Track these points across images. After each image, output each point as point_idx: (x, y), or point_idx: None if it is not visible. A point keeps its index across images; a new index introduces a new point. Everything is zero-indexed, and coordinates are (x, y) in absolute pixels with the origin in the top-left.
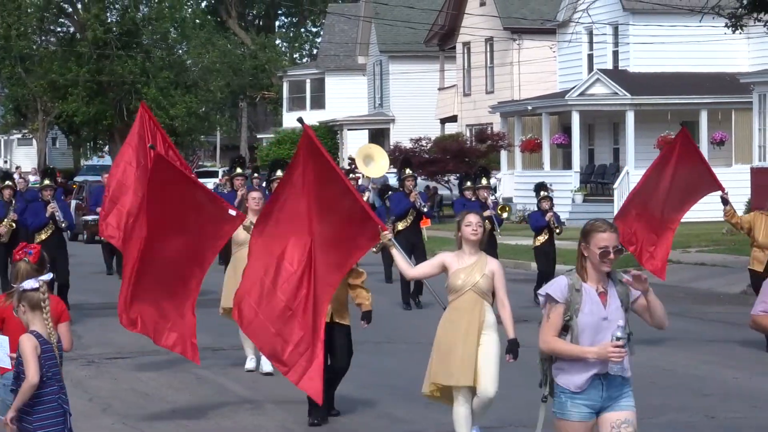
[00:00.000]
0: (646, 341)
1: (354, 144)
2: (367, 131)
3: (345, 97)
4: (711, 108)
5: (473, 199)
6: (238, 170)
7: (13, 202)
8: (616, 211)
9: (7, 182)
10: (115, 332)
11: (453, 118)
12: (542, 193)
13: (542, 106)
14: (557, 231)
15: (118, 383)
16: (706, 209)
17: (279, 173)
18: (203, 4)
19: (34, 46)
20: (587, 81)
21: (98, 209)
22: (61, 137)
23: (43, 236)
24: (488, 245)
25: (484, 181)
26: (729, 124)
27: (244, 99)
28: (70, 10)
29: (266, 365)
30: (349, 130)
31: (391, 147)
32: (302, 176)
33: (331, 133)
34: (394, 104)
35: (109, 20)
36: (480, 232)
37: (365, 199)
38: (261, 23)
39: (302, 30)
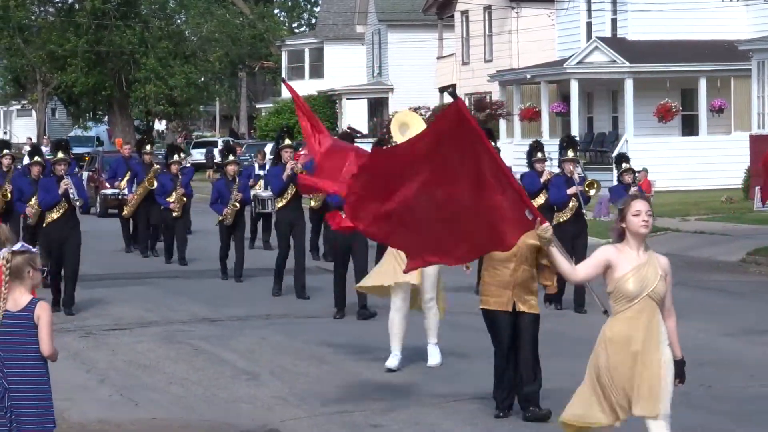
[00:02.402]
0: None
1: (353, 113)
2: (366, 101)
3: (344, 66)
4: (710, 75)
5: (542, 171)
6: (287, 141)
7: (12, 169)
8: (615, 180)
9: (6, 151)
10: (113, 304)
11: (452, 87)
12: (623, 165)
13: (541, 74)
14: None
15: (116, 355)
16: (705, 177)
17: (287, 141)
18: None
19: (33, 17)
20: (586, 49)
21: (117, 183)
22: (61, 108)
23: (55, 215)
24: (579, 228)
25: (570, 153)
26: (728, 92)
27: (243, 69)
28: None
29: (433, 358)
30: (347, 99)
31: (390, 116)
32: (439, 150)
33: (329, 102)
34: (392, 73)
35: None
36: (651, 223)
37: None
38: None
39: None
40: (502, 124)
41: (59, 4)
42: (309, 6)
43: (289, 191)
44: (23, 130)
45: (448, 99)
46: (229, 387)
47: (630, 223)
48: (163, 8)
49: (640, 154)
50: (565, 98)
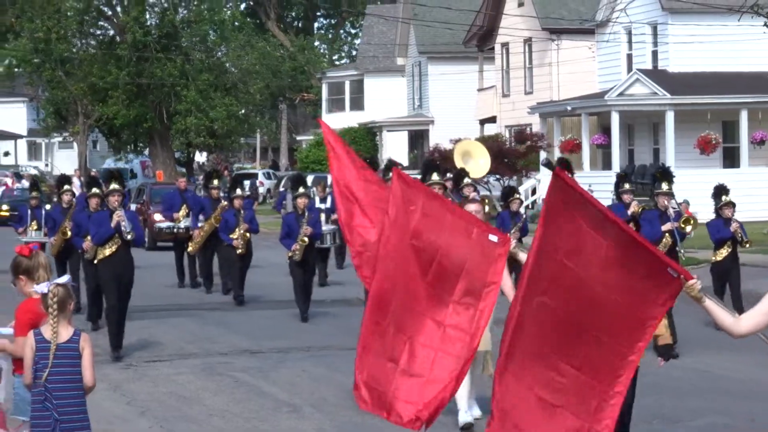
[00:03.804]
0: (691, 344)
1: (393, 145)
2: (406, 132)
3: (384, 98)
4: (751, 107)
5: (630, 202)
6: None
7: (73, 205)
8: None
9: (66, 186)
10: (153, 335)
11: (492, 119)
12: (723, 197)
13: (581, 106)
14: (745, 243)
15: (156, 386)
16: (747, 209)
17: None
18: (242, 6)
19: (74, 50)
20: (626, 81)
21: (176, 215)
22: (102, 140)
23: (107, 251)
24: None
25: (664, 186)
26: None
27: (284, 101)
28: (110, 13)
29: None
30: (388, 131)
31: (431, 148)
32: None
33: (370, 134)
34: (433, 105)
35: (148, 23)
36: None
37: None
38: (300, 25)
39: (341, 31)
40: (543, 156)
41: (101, 37)
42: (349, 38)
43: None
44: (64, 162)
45: (488, 131)
46: (271, 419)
47: None
48: (203, 41)
49: (682, 186)
50: (606, 130)
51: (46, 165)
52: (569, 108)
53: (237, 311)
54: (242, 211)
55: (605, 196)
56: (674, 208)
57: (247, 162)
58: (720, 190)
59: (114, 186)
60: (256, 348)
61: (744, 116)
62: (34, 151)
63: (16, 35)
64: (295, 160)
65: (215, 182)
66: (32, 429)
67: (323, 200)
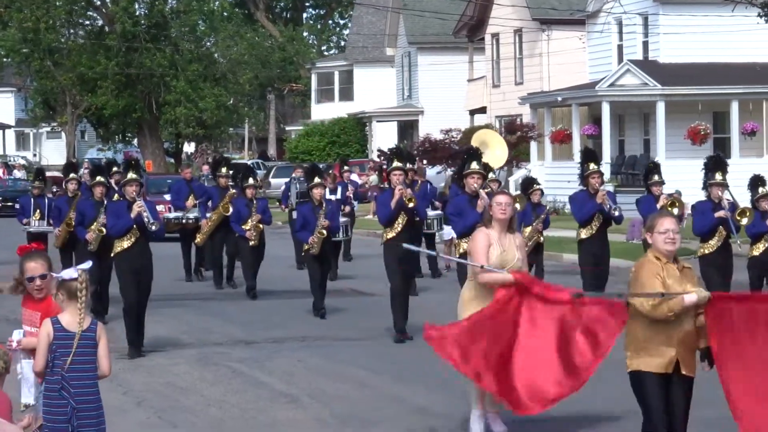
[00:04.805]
0: None
1: (383, 136)
2: (396, 123)
3: (373, 88)
4: (742, 98)
5: (659, 195)
6: (396, 163)
7: (105, 202)
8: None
9: (99, 178)
10: (148, 326)
11: (482, 110)
12: (761, 189)
13: (572, 97)
14: None
15: (153, 377)
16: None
17: (396, 163)
18: None
19: (63, 39)
20: (617, 72)
21: (188, 203)
22: (90, 130)
23: (126, 243)
24: (726, 260)
25: (718, 176)
26: (760, 114)
27: (273, 91)
28: (99, 2)
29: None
30: (378, 121)
31: (421, 138)
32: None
33: (359, 125)
34: (422, 96)
35: (137, 13)
36: None
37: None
38: (288, 15)
39: (330, 22)
40: (533, 146)
41: (89, 27)
42: (338, 29)
43: (400, 220)
44: (53, 152)
45: (478, 121)
46: (269, 410)
47: None
48: (193, 31)
49: (672, 177)
50: (597, 121)
51: (34, 155)
52: (560, 98)
53: (232, 301)
54: (255, 201)
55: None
56: (728, 200)
57: (235, 152)
58: (756, 181)
59: (132, 175)
60: (251, 338)
61: (735, 107)
62: (22, 141)
63: (4, 25)
64: (284, 150)
65: (223, 170)
66: (47, 417)
67: (333, 191)
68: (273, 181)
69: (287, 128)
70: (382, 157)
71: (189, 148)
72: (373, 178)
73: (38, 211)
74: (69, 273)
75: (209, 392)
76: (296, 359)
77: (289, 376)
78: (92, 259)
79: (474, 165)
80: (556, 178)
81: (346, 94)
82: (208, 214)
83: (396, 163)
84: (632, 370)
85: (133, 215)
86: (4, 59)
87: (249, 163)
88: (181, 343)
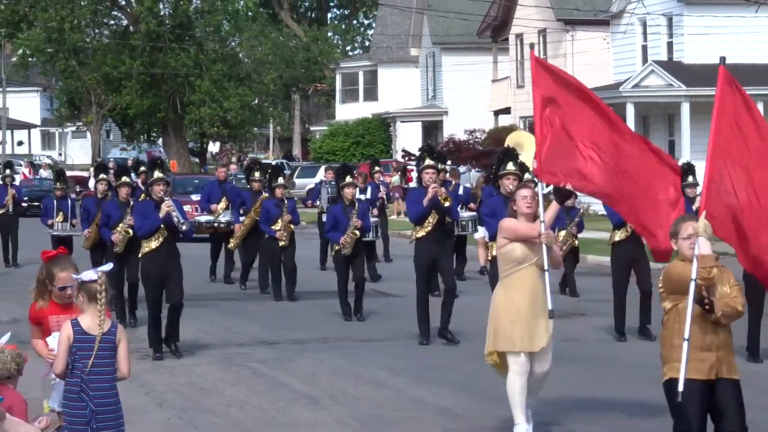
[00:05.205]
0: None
1: (407, 136)
2: (420, 123)
3: (398, 89)
4: (767, 99)
5: (694, 197)
6: (428, 161)
7: (131, 203)
8: None
9: (125, 178)
10: None
11: (506, 110)
12: (689, 178)
13: None
14: None
15: (174, 377)
16: None
17: (428, 161)
18: None
19: (88, 39)
20: (641, 72)
21: (213, 206)
22: (115, 130)
23: (153, 244)
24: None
25: (689, 179)
26: None
27: (297, 91)
28: (124, 2)
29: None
30: (402, 122)
31: (445, 139)
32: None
33: (384, 125)
34: (447, 96)
35: (162, 13)
36: None
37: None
38: (313, 15)
39: (354, 22)
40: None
41: (114, 27)
42: (363, 29)
43: (431, 219)
44: (78, 151)
45: (502, 122)
46: (289, 410)
47: None
48: (217, 31)
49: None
50: None
51: (60, 154)
52: None
53: (255, 302)
54: (285, 201)
55: None
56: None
57: (260, 152)
58: (686, 168)
59: (159, 174)
60: (273, 339)
61: (760, 108)
62: (47, 141)
63: (29, 25)
64: (308, 150)
65: (257, 174)
66: (67, 419)
67: (363, 191)
68: (298, 181)
69: (312, 128)
70: (407, 158)
71: (213, 147)
72: (396, 178)
73: (61, 213)
74: (89, 275)
75: (231, 393)
76: (318, 360)
77: (311, 377)
78: (114, 262)
79: (510, 166)
80: None
81: (371, 95)
82: (241, 218)
83: (428, 161)
84: (670, 377)
85: (161, 215)
86: (30, 59)
87: (275, 162)
88: (203, 343)
